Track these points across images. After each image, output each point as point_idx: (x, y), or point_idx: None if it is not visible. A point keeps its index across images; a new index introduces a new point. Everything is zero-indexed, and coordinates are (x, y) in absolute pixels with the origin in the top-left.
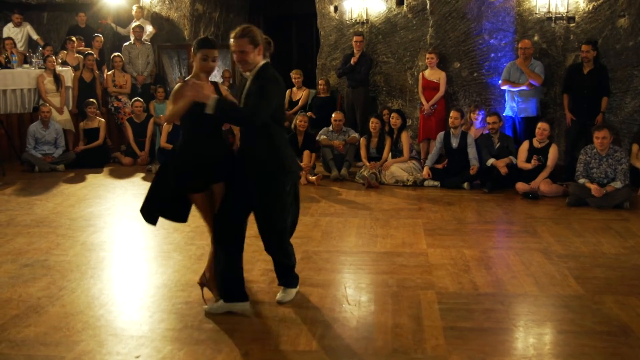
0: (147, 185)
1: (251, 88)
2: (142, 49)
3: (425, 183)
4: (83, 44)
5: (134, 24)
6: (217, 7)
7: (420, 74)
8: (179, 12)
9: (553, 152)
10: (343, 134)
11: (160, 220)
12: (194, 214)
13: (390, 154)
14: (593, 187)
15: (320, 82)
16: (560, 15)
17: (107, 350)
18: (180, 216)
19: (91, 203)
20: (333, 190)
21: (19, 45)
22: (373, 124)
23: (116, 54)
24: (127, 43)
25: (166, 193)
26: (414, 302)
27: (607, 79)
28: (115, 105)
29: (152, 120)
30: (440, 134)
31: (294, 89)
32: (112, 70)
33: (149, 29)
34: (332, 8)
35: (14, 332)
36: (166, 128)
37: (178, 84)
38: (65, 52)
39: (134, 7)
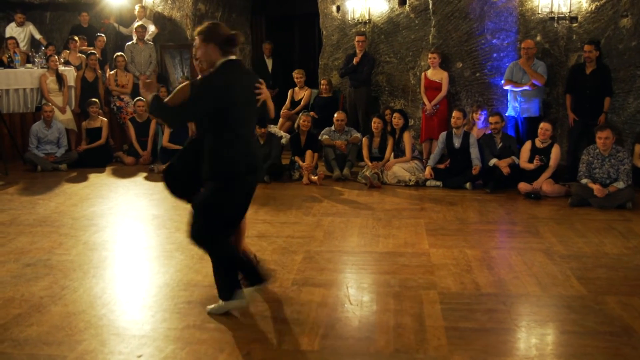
0: (149, 184)
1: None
2: (144, 48)
3: (428, 183)
4: (86, 43)
5: (136, 24)
6: (219, 6)
7: (423, 73)
8: (182, 11)
9: (555, 153)
10: (345, 134)
11: (162, 220)
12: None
13: (392, 154)
14: (595, 188)
15: (322, 82)
16: (562, 15)
17: (109, 349)
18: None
19: (93, 202)
20: (335, 190)
21: (21, 44)
22: (375, 123)
23: (119, 53)
24: (129, 43)
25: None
26: (416, 302)
27: (610, 79)
28: (118, 104)
29: (154, 120)
30: (443, 134)
31: (296, 88)
32: (115, 70)
33: (152, 28)
34: (334, 8)
35: (16, 331)
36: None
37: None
38: (68, 51)
39: (137, 7)
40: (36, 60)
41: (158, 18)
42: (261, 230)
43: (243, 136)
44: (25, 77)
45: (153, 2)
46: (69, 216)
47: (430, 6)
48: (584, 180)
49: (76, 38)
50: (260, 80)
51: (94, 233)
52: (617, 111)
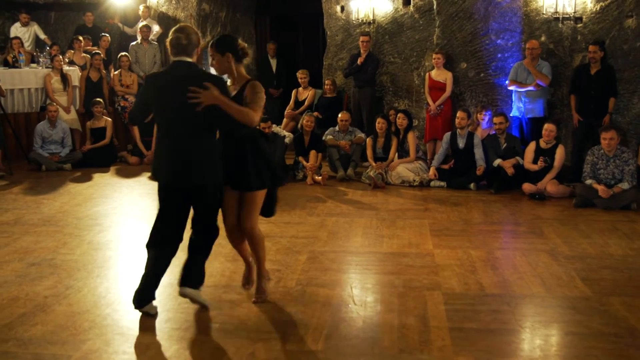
0: (153, 184)
1: None
2: (149, 48)
3: (432, 183)
4: (90, 43)
5: (141, 24)
6: (223, 6)
7: (427, 74)
8: (186, 11)
9: (560, 153)
10: (349, 134)
11: None
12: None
13: (396, 154)
14: (600, 188)
15: (326, 82)
16: (567, 16)
17: (113, 349)
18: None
19: (98, 202)
20: (339, 190)
21: (26, 44)
22: (379, 124)
23: (123, 53)
24: (134, 43)
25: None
26: (420, 303)
27: (615, 79)
28: (122, 104)
29: None
30: (447, 135)
31: (300, 88)
32: (119, 70)
33: (156, 28)
34: (338, 8)
35: (21, 330)
36: None
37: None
38: (73, 51)
39: (141, 7)
40: (41, 60)
41: (162, 18)
42: (265, 231)
43: (165, 142)
44: (29, 77)
45: (157, 2)
46: (73, 216)
47: (435, 6)
48: (588, 181)
49: (81, 38)
50: (206, 84)
51: (98, 233)
52: (622, 112)
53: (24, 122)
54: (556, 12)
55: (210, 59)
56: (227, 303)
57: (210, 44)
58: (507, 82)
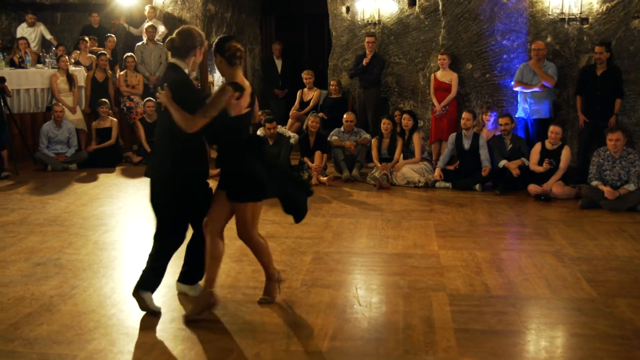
0: None
1: None
2: (154, 49)
3: (437, 184)
4: (96, 44)
5: (146, 24)
6: (229, 7)
7: (432, 75)
8: (191, 12)
9: (566, 154)
10: (354, 135)
11: None
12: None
13: (401, 155)
14: (606, 190)
15: (331, 82)
16: (573, 17)
17: (118, 349)
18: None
19: (103, 202)
20: (344, 191)
21: (32, 45)
22: (385, 125)
23: (129, 54)
24: (139, 43)
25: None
26: (425, 304)
27: (621, 80)
28: (128, 105)
29: None
30: (452, 135)
31: (305, 89)
32: (125, 70)
33: (162, 29)
34: (344, 9)
35: (26, 330)
36: None
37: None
38: (78, 52)
39: (147, 8)
40: (47, 60)
41: (168, 19)
42: (270, 231)
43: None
44: (36, 77)
45: (163, 2)
46: (78, 216)
47: (440, 7)
48: (594, 183)
49: (86, 38)
50: (164, 85)
51: (104, 233)
52: (628, 113)
53: (30, 122)
54: (562, 13)
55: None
56: (232, 303)
57: None
58: (512, 83)
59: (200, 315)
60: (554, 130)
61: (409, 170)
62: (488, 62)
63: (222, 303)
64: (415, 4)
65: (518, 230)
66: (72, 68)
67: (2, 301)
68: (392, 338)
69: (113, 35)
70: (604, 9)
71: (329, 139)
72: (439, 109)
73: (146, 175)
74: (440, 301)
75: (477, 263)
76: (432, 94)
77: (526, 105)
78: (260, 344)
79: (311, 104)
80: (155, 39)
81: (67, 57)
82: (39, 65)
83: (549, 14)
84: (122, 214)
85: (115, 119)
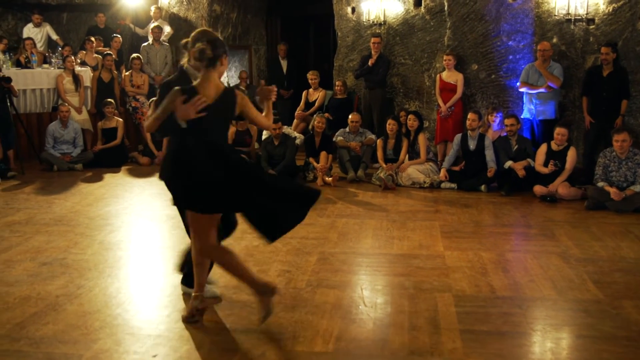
0: (164, 185)
1: None
2: (160, 49)
3: (442, 185)
4: (102, 44)
5: (152, 25)
6: (234, 7)
7: (438, 75)
8: (197, 12)
9: (571, 155)
10: (360, 136)
11: (177, 220)
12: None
13: (407, 155)
14: (612, 191)
15: (337, 83)
16: (579, 17)
17: (124, 349)
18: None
19: (109, 202)
20: (349, 191)
21: (38, 45)
22: (390, 125)
23: (135, 55)
24: (145, 44)
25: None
26: (430, 305)
27: (627, 81)
28: (133, 105)
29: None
30: (458, 136)
31: (311, 90)
32: (130, 71)
33: (167, 29)
34: (349, 9)
35: (32, 329)
36: None
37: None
38: (84, 52)
39: (152, 8)
40: (53, 60)
41: (174, 19)
42: None
43: None
44: (42, 77)
45: (169, 3)
46: (84, 216)
47: (446, 8)
48: (600, 184)
49: (92, 39)
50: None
51: (109, 233)
52: (634, 114)
53: (36, 122)
54: (568, 14)
55: None
56: (238, 303)
57: None
58: (518, 84)
59: (193, 318)
60: (560, 131)
61: (414, 171)
62: (494, 63)
63: (227, 304)
64: (420, 5)
65: (524, 231)
66: (78, 68)
67: (8, 301)
68: (397, 339)
69: (119, 36)
70: (610, 10)
71: (334, 139)
72: (444, 109)
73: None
74: (446, 302)
75: (482, 264)
76: (437, 94)
77: (532, 106)
78: (265, 345)
79: (316, 104)
80: (161, 39)
81: (73, 58)
82: (45, 66)
83: (555, 15)
84: (128, 214)
85: (120, 119)
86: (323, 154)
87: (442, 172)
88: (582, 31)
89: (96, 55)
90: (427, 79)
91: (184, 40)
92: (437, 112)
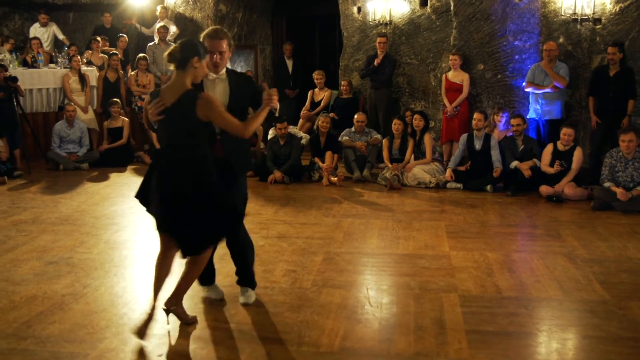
0: None
1: (243, 90)
2: (166, 49)
3: (448, 185)
4: (108, 44)
5: (158, 25)
6: (240, 7)
7: (444, 75)
8: (203, 12)
9: (578, 155)
10: (365, 135)
11: None
12: None
13: (412, 155)
14: (619, 191)
15: (342, 83)
16: (586, 17)
17: (130, 348)
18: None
19: (115, 202)
20: (355, 191)
21: (45, 45)
22: (396, 125)
23: (141, 55)
24: (151, 43)
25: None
26: (436, 305)
27: (634, 81)
28: (139, 104)
29: None
30: (464, 136)
31: (316, 89)
32: (136, 70)
33: (173, 29)
34: (355, 9)
35: (39, 328)
36: None
37: (208, 96)
38: (90, 52)
39: (158, 8)
40: (59, 60)
41: (179, 19)
42: (281, 231)
43: None
44: (48, 77)
45: (175, 3)
46: (90, 215)
47: (452, 7)
48: (606, 184)
49: (98, 38)
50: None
51: (115, 232)
52: None
53: (42, 121)
54: (575, 14)
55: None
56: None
57: None
58: (524, 83)
59: (191, 321)
60: (566, 132)
61: (420, 171)
62: (500, 63)
63: (233, 303)
64: (426, 5)
65: (530, 232)
66: (84, 68)
67: (15, 300)
68: (403, 339)
69: (125, 36)
70: (617, 10)
71: (339, 139)
72: (450, 109)
73: None
74: (452, 302)
75: (488, 264)
76: (443, 94)
77: (538, 106)
78: (271, 344)
79: (322, 104)
80: (167, 39)
81: (79, 57)
82: (52, 65)
83: (561, 15)
84: (134, 213)
85: (126, 119)
86: (328, 153)
87: (448, 172)
88: (588, 31)
89: (102, 54)
90: (433, 78)
91: None
92: (442, 112)
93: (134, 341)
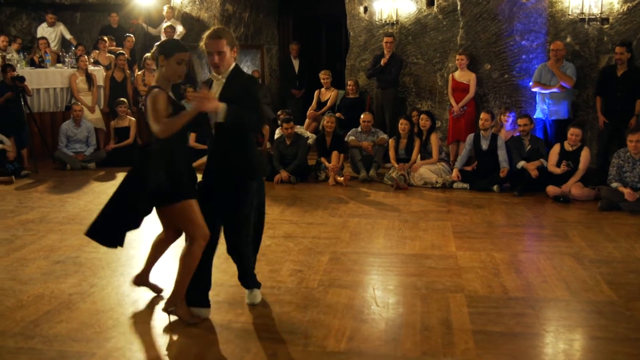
0: None
1: (234, 92)
2: None
3: (455, 185)
4: (114, 43)
5: (164, 25)
6: (247, 7)
7: (450, 75)
8: (209, 12)
9: (585, 156)
10: (372, 135)
11: None
12: None
13: (419, 155)
14: (626, 191)
15: (349, 82)
16: (593, 17)
17: (136, 347)
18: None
19: None
20: (361, 191)
21: (52, 44)
22: (402, 125)
23: (148, 55)
24: (158, 43)
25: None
26: (443, 305)
27: None
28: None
29: None
30: (470, 136)
31: (323, 89)
32: (142, 70)
33: (180, 29)
34: (361, 9)
35: (46, 327)
36: None
37: (157, 92)
38: (97, 51)
39: (165, 8)
40: (66, 60)
41: (186, 19)
42: (287, 231)
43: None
44: (55, 76)
45: (181, 2)
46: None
47: (459, 7)
48: (614, 184)
49: (105, 38)
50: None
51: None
52: None
53: (49, 121)
54: (582, 13)
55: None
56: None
57: None
58: (531, 83)
59: (193, 321)
60: (573, 132)
61: (426, 171)
62: (507, 63)
63: (239, 303)
64: (433, 4)
65: (536, 232)
66: (91, 68)
67: (22, 299)
68: (409, 339)
69: (132, 35)
70: (625, 9)
71: (346, 139)
72: (456, 109)
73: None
74: (458, 302)
75: (495, 264)
76: (450, 94)
77: (545, 106)
78: (277, 344)
79: (328, 104)
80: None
81: (86, 57)
82: (59, 65)
83: (568, 14)
84: None
85: (133, 119)
86: (335, 153)
87: (455, 172)
88: (596, 30)
89: (109, 54)
90: (439, 78)
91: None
92: (449, 112)
93: (141, 340)
